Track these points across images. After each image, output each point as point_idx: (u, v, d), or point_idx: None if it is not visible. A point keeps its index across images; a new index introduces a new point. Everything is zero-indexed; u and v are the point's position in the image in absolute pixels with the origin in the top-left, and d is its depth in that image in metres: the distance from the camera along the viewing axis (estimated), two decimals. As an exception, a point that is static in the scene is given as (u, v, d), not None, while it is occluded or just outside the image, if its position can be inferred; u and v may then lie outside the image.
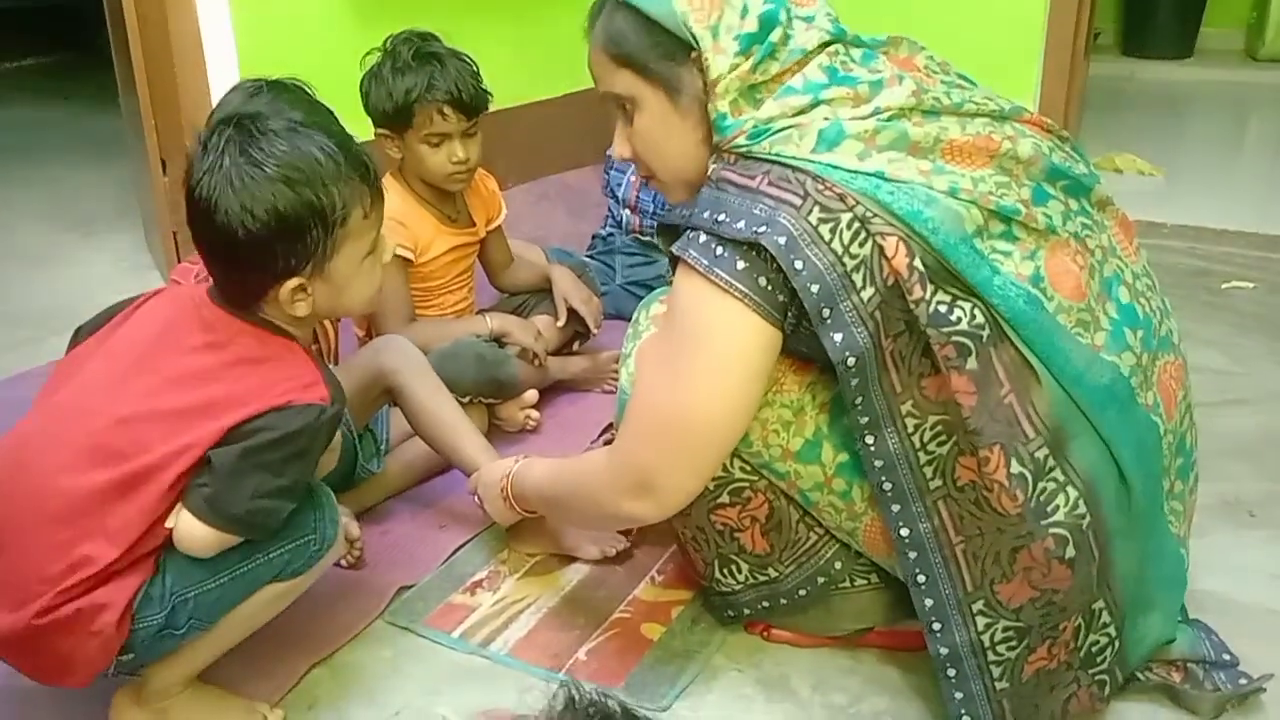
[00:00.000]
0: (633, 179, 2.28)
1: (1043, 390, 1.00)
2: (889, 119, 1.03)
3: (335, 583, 1.35)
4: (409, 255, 1.72)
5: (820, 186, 0.99)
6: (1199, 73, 4.88)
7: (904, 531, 1.04)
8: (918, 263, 0.97)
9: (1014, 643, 1.05)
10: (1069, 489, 1.01)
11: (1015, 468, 0.99)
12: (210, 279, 1.07)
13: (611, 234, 2.32)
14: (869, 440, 1.02)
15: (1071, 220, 1.08)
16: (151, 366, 1.03)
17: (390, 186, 1.77)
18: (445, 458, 1.46)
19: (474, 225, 1.83)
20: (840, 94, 1.04)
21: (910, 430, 1.01)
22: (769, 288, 0.99)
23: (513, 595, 1.33)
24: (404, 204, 1.74)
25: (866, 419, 1.02)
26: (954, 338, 0.98)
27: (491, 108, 1.76)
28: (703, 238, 1.02)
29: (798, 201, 0.98)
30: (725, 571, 1.20)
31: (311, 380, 1.03)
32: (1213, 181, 3.25)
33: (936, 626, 1.05)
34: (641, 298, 2.16)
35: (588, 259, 2.23)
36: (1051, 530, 1.00)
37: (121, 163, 2.65)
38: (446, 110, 1.66)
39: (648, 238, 2.26)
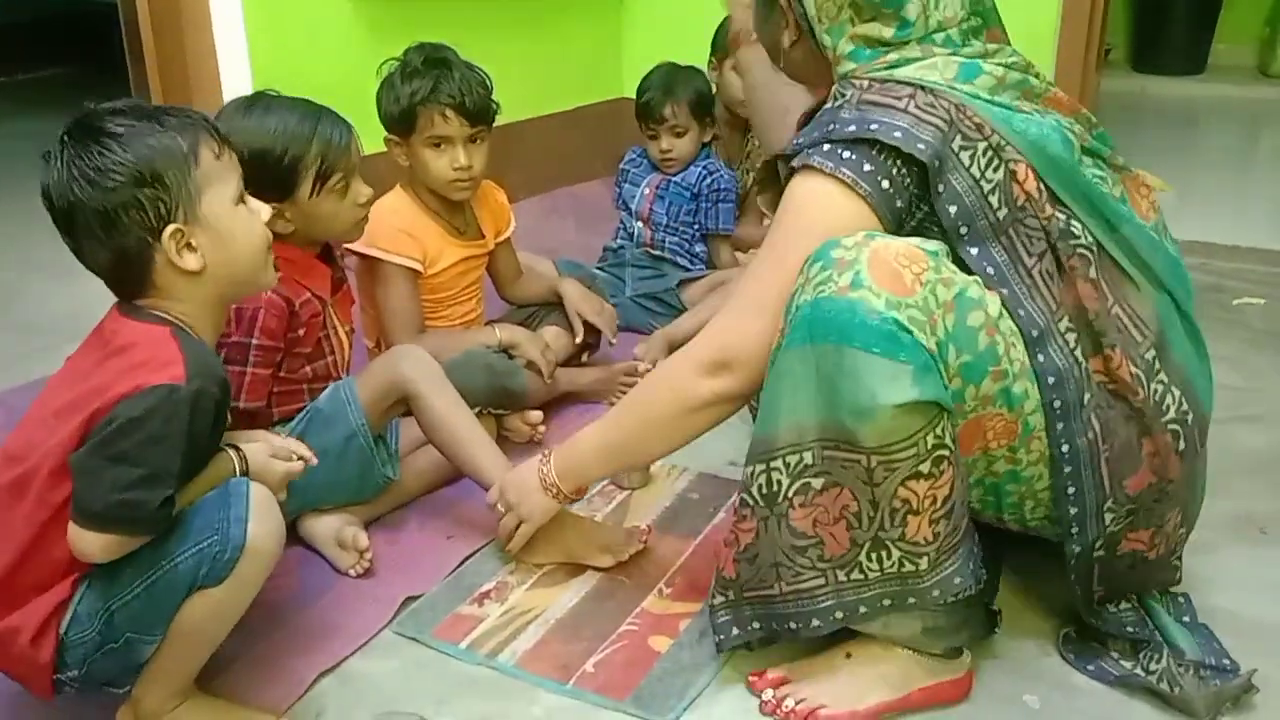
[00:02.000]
0: (646, 191, 2.29)
1: (1141, 295, 1.15)
2: (1015, 68, 1.16)
3: (343, 592, 1.35)
4: (418, 267, 1.73)
5: (962, 115, 1.10)
6: (1211, 89, 4.87)
7: (1065, 448, 1.11)
8: (1042, 185, 1.10)
9: (1121, 521, 1.15)
10: (1174, 389, 1.15)
11: (1132, 369, 1.12)
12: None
13: (622, 246, 2.32)
14: (1040, 357, 1.09)
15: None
16: (59, 377, 1.08)
17: (399, 197, 1.78)
18: (460, 469, 1.47)
19: (483, 237, 1.84)
20: (975, 50, 1.16)
21: (1072, 346, 1.11)
22: (890, 190, 1.09)
23: (520, 606, 1.33)
24: (412, 215, 1.76)
25: (1035, 332, 1.09)
26: (1079, 249, 1.11)
27: (502, 120, 1.77)
28: (826, 146, 1.11)
29: (944, 127, 1.09)
30: (873, 557, 1.08)
31: (166, 360, 1.01)
32: (1224, 197, 3.24)
33: (1075, 530, 1.15)
34: (651, 310, 2.20)
35: (597, 271, 2.24)
36: (1169, 426, 1.14)
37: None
38: (449, 113, 1.68)
39: (658, 251, 2.27)
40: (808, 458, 1.05)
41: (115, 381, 0.99)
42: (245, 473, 1.12)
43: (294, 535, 1.43)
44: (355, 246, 1.71)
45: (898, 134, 1.07)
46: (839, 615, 1.10)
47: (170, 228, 1.03)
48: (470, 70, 1.71)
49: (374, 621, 1.30)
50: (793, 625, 1.12)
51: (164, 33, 2.13)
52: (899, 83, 1.11)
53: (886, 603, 1.09)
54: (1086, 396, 1.10)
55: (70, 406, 1.00)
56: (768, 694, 1.16)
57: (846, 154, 1.09)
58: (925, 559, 1.07)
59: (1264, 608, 1.31)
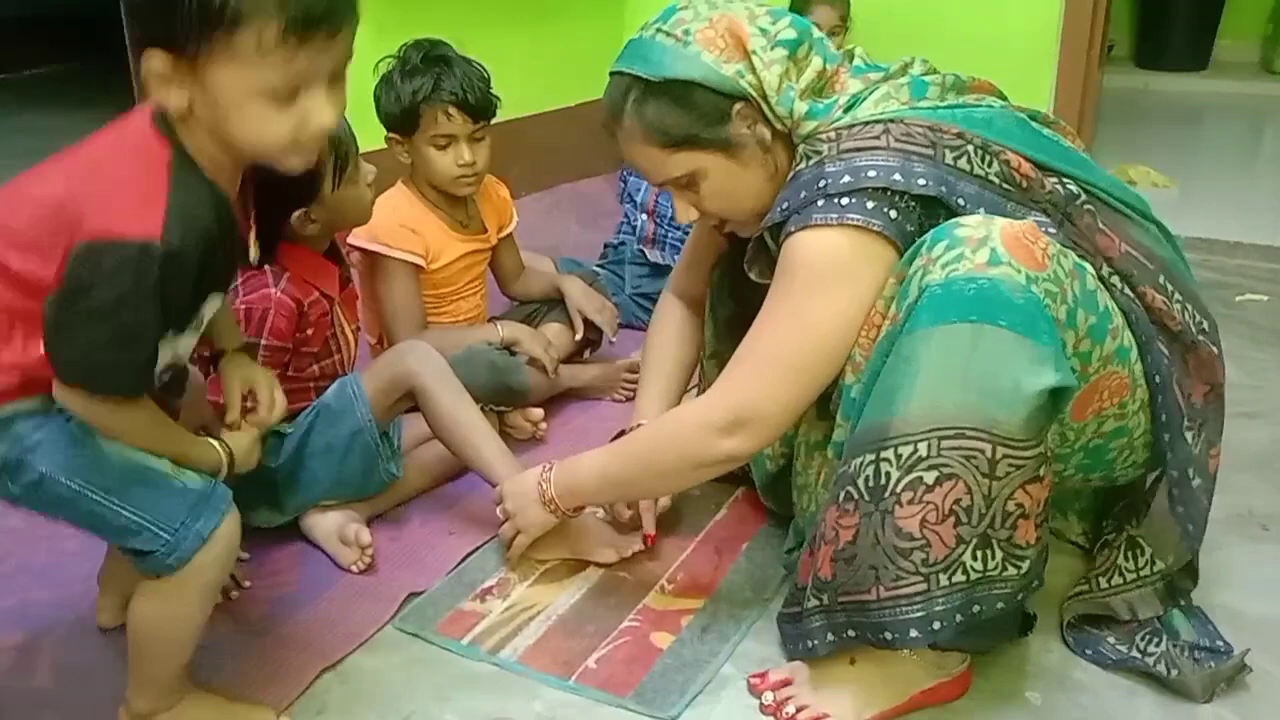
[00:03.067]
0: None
1: (1138, 228, 1.19)
2: (936, 70, 1.20)
3: (345, 588, 1.36)
4: (420, 262, 1.73)
5: (939, 133, 1.11)
6: (1214, 85, 4.87)
7: (1156, 379, 1.15)
8: (1032, 163, 1.13)
9: (1198, 437, 1.18)
10: (1188, 305, 1.19)
11: (1160, 297, 1.15)
12: None
13: (624, 242, 2.32)
14: (1114, 300, 1.13)
15: None
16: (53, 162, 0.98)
17: (401, 193, 1.78)
18: (466, 463, 1.47)
19: (485, 232, 1.84)
20: (897, 65, 1.21)
21: (1121, 288, 1.14)
22: (899, 218, 1.09)
23: (523, 602, 1.34)
24: (414, 210, 1.76)
25: (1102, 280, 1.12)
26: (1085, 207, 1.15)
27: (505, 117, 1.77)
28: (821, 202, 1.09)
29: (930, 151, 1.10)
30: (977, 555, 1.02)
31: (143, 205, 0.91)
32: (1227, 194, 3.24)
33: (1170, 455, 1.17)
34: (650, 310, 2.19)
35: (598, 268, 2.24)
36: (1198, 338, 1.18)
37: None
38: (452, 111, 1.68)
39: (657, 250, 2.26)
40: (922, 449, 1.00)
41: (93, 211, 0.91)
42: (231, 465, 1.09)
43: (296, 531, 1.44)
44: (358, 242, 1.71)
45: (896, 176, 1.08)
46: (936, 627, 1.03)
47: (157, 51, 0.89)
48: (470, 65, 1.71)
49: (376, 618, 1.30)
50: (888, 635, 1.04)
51: (166, 29, 2.13)
52: (866, 123, 1.12)
53: (976, 609, 1.03)
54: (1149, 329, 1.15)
55: (54, 213, 0.92)
56: (768, 696, 1.15)
57: (846, 201, 1.08)
58: (1026, 562, 1.04)
59: (1265, 604, 1.31)
